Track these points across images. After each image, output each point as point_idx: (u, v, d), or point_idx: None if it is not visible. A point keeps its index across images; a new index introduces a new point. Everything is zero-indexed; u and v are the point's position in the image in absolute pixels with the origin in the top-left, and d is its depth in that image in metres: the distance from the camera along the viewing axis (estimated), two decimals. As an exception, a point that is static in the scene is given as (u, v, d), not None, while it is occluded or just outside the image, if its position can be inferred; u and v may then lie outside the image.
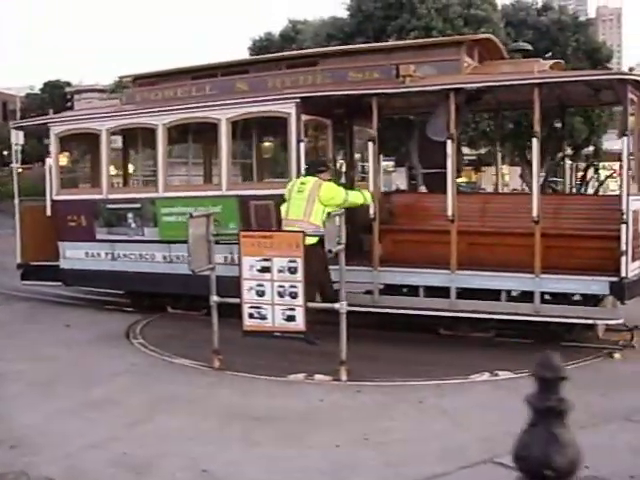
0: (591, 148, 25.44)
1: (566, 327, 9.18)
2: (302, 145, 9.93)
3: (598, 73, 12.64)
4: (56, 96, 69.45)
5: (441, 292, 9.49)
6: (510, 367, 7.90)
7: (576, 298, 9.28)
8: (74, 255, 11.87)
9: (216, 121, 10.51)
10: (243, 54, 33.65)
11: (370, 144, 9.83)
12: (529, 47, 14.12)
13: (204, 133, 12.60)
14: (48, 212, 12.23)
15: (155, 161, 11.36)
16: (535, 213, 8.91)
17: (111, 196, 11.53)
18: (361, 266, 9.68)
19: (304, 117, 10.04)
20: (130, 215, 11.19)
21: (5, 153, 50.69)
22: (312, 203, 8.69)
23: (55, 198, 12.13)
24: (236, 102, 10.44)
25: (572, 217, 9.83)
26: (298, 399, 7.21)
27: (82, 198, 12.09)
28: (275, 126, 11.87)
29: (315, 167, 9.34)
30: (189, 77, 11.43)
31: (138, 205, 11.15)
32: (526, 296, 9.17)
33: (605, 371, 8.09)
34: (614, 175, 26.07)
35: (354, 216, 9.87)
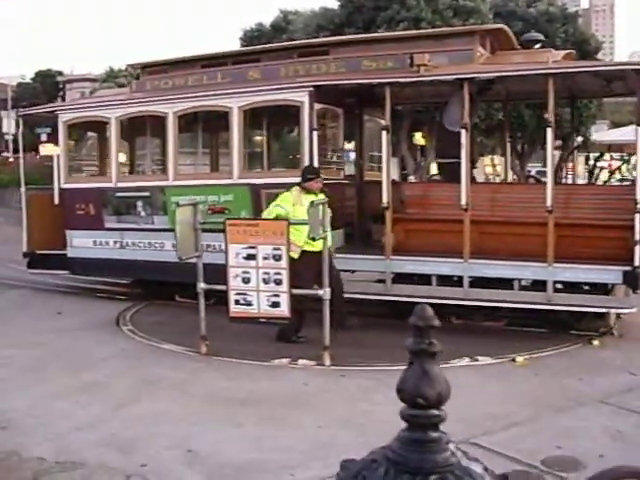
0: (579, 139, 25.22)
1: (577, 316, 9.13)
2: (315, 134, 9.81)
3: (613, 64, 12.49)
4: (48, 85, 69.88)
5: (451, 281, 9.43)
6: (490, 352, 8.11)
7: (585, 288, 9.20)
8: (82, 244, 11.78)
9: (228, 109, 10.43)
10: (234, 44, 33.83)
11: (384, 133, 9.73)
12: (542, 37, 13.92)
13: (214, 121, 12.54)
14: (56, 200, 12.19)
15: (165, 149, 11.34)
16: (549, 203, 8.83)
17: (120, 184, 11.45)
18: (372, 255, 9.59)
19: (317, 106, 9.93)
20: (140, 203, 11.13)
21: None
22: None
23: (63, 186, 12.06)
24: (249, 90, 10.35)
25: (585, 207, 9.72)
26: (282, 383, 7.36)
27: (91, 186, 12.05)
28: (286, 114, 11.79)
29: (303, 175, 9.01)
30: (199, 65, 11.37)
31: (148, 193, 11.09)
32: (536, 285, 9.10)
33: (583, 357, 8.23)
34: (608, 169, 25.95)
35: (363, 205, 9.77)
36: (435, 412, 1.65)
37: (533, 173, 31.69)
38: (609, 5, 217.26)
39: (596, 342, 8.75)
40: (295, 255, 8.22)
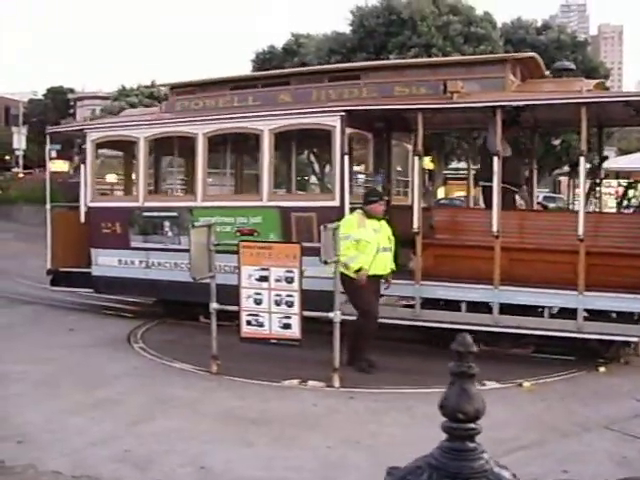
0: (588, 166, 25.15)
1: (606, 344, 9.05)
2: (346, 158, 9.81)
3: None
4: (59, 102, 71.08)
5: (478, 307, 9.36)
6: (497, 377, 8.11)
7: (613, 316, 9.09)
8: (107, 262, 11.82)
9: (259, 132, 10.46)
10: (246, 67, 34.17)
11: (416, 159, 9.75)
12: (573, 67, 13.86)
13: (243, 143, 12.58)
14: (82, 218, 12.21)
15: (193, 170, 11.37)
16: (581, 231, 8.73)
17: (147, 204, 11.50)
18: (400, 279, 9.50)
19: (348, 130, 9.94)
20: (167, 223, 11.17)
21: (7, 158, 51.51)
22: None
23: (90, 205, 12.11)
24: (280, 113, 10.38)
25: (614, 235, 9.59)
26: (292, 403, 7.42)
27: (118, 205, 12.17)
28: (316, 138, 11.80)
29: (366, 197, 9.00)
30: (228, 87, 11.40)
31: (175, 214, 11.13)
32: (563, 312, 9.03)
33: (589, 383, 8.31)
34: (614, 195, 25.93)
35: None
36: (472, 425, 1.96)
37: (540, 199, 31.46)
38: (617, 32, 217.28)
39: (602, 369, 8.80)
40: (351, 274, 8.44)
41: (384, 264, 8.72)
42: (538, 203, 26.22)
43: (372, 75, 10.55)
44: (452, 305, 9.48)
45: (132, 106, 32.40)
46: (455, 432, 1.92)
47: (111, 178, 25.03)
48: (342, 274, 8.15)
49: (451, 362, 1.96)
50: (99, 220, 11.90)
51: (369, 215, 8.69)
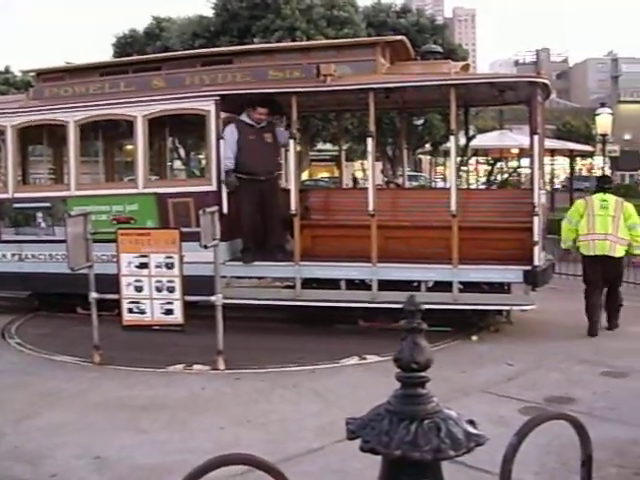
0: (449, 144, 26.61)
1: (480, 314, 9.57)
2: (222, 142, 9.81)
3: (511, 75, 13.01)
4: None
5: (355, 285, 9.73)
6: (377, 351, 8.31)
7: (485, 287, 9.57)
8: (-24, 257, 11.24)
9: (132, 118, 10.28)
10: (107, 51, 33.51)
11: (291, 141, 9.82)
12: (440, 49, 14.44)
13: (115, 130, 12.34)
14: None
15: (66, 159, 11.02)
16: (453, 207, 9.12)
17: (18, 195, 11.05)
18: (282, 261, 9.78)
19: (222, 114, 9.95)
20: (40, 214, 10.80)
21: None
22: (618, 219, 9.48)
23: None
24: (153, 99, 10.23)
25: (485, 210, 10.12)
26: (179, 388, 7.44)
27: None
28: (191, 123, 11.73)
29: (609, 183, 10.17)
30: (98, 73, 11.08)
31: (48, 204, 10.77)
32: (439, 286, 9.42)
33: (464, 352, 8.75)
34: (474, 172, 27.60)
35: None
36: (424, 374, 2.13)
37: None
38: (471, 15, 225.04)
39: (475, 337, 9.35)
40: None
41: None
42: (390, 182, 27.04)
43: (245, 59, 10.54)
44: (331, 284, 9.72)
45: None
46: (409, 381, 2.09)
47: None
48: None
49: (403, 320, 2.14)
50: None
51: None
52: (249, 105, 9.93)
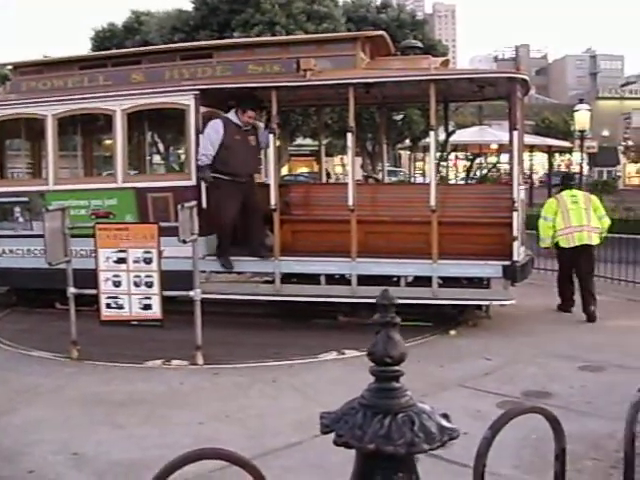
0: (428, 140, 26.82)
1: (459, 309, 9.65)
2: (201, 136, 9.76)
3: (490, 71, 13.06)
4: None
5: (335, 281, 9.78)
6: (355, 346, 8.28)
7: (464, 282, 9.64)
8: (-47, 253, 11.08)
9: (111, 112, 10.22)
10: (85, 45, 33.41)
11: (271, 136, 9.80)
12: (420, 45, 14.45)
13: (94, 124, 12.26)
14: None
15: (43, 153, 10.93)
16: (432, 202, 9.17)
17: (-5, 189, 10.97)
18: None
19: (202, 109, 9.93)
20: (17, 209, 10.72)
21: None
22: (589, 211, 10.15)
23: None
24: (133, 93, 10.19)
25: (465, 205, 10.13)
26: (158, 383, 7.43)
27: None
28: (170, 118, 11.68)
29: (573, 180, 11.70)
30: (77, 67, 11.01)
31: (26, 199, 10.69)
32: (418, 281, 9.45)
33: (442, 346, 8.83)
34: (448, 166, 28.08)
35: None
36: (397, 368, 2.13)
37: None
38: (451, 11, 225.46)
39: (453, 332, 9.40)
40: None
41: None
42: (369, 177, 27.09)
43: (225, 53, 10.52)
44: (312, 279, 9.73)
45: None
46: (382, 374, 2.10)
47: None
48: None
49: (376, 314, 2.15)
50: None
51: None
52: (238, 106, 9.81)
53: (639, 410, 2.96)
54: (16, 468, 5.20)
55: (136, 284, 7.87)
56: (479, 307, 9.93)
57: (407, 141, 34.43)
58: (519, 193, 9.28)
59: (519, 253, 9.12)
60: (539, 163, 43.73)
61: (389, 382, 2.12)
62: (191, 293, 7.94)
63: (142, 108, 10.39)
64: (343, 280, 9.70)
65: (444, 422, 2.08)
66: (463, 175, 31.57)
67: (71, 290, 8.25)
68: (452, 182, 26.30)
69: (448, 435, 2.05)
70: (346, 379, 7.03)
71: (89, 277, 8.00)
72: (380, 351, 2.10)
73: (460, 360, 8.14)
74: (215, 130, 9.66)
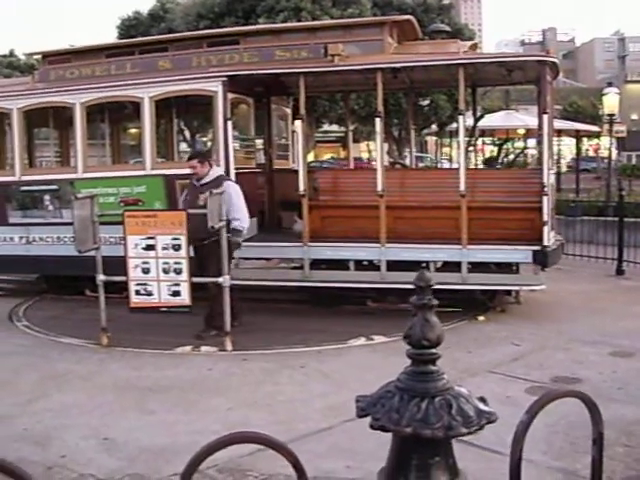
0: (455, 125, 26.44)
1: (489, 294, 9.61)
2: (229, 123, 9.77)
3: (520, 55, 12.92)
4: None
5: (363, 266, 9.74)
6: (384, 332, 8.40)
7: (493, 267, 9.58)
8: (-17, 241, 11.22)
9: (139, 100, 10.23)
10: (111, 34, 33.55)
11: (299, 122, 9.85)
12: (447, 29, 14.33)
13: (123, 112, 12.32)
14: None
15: (72, 141, 10.99)
16: (462, 187, 9.11)
17: (25, 178, 11.03)
18: (286, 242, 9.81)
19: (230, 95, 9.90)
20: (47, 197, 10.79)
21: None
22: None
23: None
24: (160, 80, 10.19)
25: (494, 190, 9.99)
26: (187, 369, 7.48)
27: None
28: (197, 104, 11.70)
29: None
30: (104, 55, 11.06)
31: (56, 187, 10.77)
32: (447, 266, 9.43)
33: (470, 332, 8.75)
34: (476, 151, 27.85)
35: (272, 193, 9.84)
36: (434, 351, 2.13)
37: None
38: None
39: (481, 318, 9.33)
40: None
41: None
42: (395, 162, 26.97)
43: (252, 39, 10.53)
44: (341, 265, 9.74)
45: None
46: (420, 357, 2.09)
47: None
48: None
49: (413, 296, 2.13)
50: None
51: None
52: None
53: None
54: (48, 453, 5.24)
55: (165, 271, 7.88)
56: (509, 293, 9.86)
57: (433, 126, 34.21)
58: (549, 177, 9.19)
59: (549, 238, 9.03)
60: (567, 148, 43.24)
61: (426, 365, 2.11)
62: (220, 279, 7.94)
63: (170, 95, 10.41)
64: (371, 266, 9.66)
65: (482, 406, 2.07)
66: (499, 159, 31.14)
67: (100, 277, 8.29)
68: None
69: (486, 418, 2.04)
70: (375, 365, 7.04)
71: (118, 264, 8.02)
72: (417, 334, 2.09)
73: (489, 346, 8.12)
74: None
